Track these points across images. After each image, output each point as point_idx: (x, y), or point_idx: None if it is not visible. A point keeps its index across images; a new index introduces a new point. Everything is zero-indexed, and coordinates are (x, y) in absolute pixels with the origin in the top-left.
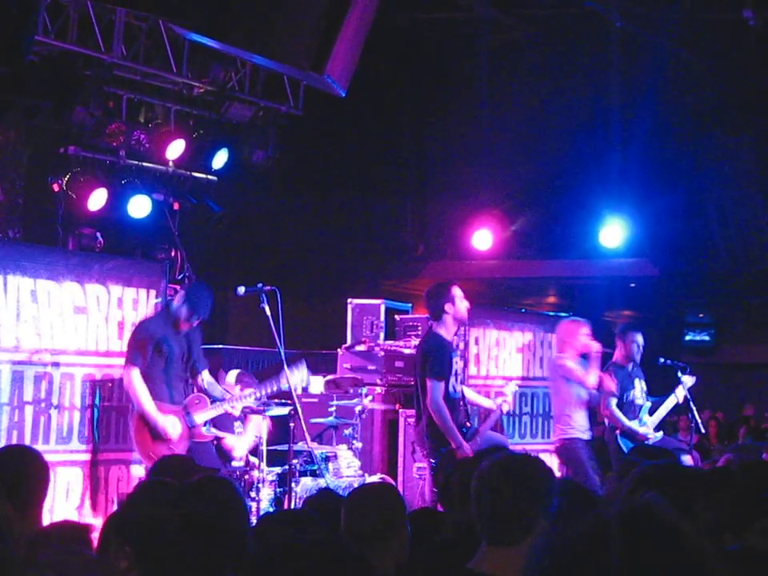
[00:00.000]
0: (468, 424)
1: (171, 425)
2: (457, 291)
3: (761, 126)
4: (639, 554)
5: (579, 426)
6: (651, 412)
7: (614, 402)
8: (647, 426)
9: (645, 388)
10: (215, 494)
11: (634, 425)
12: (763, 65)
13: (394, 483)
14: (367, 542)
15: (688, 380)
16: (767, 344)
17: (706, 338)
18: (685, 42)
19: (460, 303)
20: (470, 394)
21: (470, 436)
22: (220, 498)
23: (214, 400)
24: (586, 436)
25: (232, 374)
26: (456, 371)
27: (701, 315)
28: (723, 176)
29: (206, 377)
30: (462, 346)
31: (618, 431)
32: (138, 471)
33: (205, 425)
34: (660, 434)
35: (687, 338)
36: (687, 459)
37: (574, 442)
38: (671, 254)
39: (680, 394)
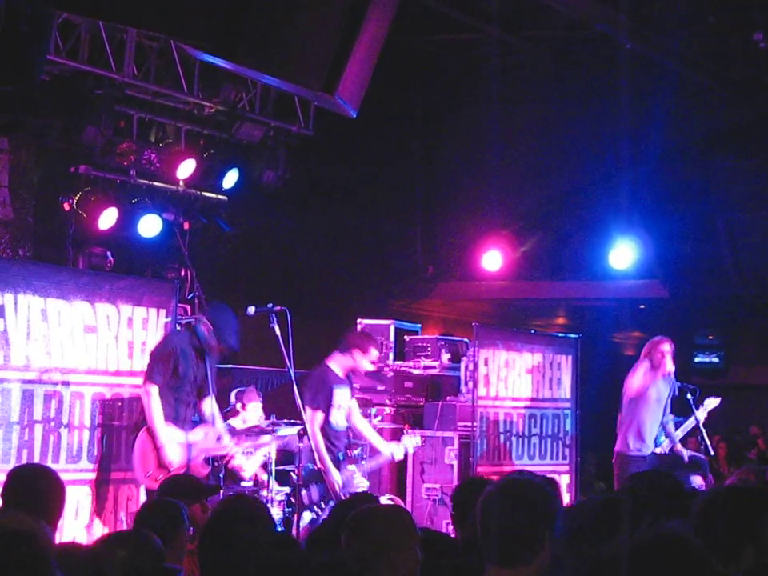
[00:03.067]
0: (350, 453)
1: (176, 454)
2: (373, 353)
3: None
4: None
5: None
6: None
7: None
8: (662, 446)
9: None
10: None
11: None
12: None
13: (402, 504)
14: (365, 566)
15: (711, 402)
16: None
17: (716, 359)
18: (695, 65)
19: (366, 362)
20: (368, 432)
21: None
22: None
23: (219, 438)
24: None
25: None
26: (339, 405)
27: (710, 337)
28: (733, 198)
29: (210, 404)
30: (471, 367)
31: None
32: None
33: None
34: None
35: (696, 359)
36: (697, 480)
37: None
38: (681, 276)
39: (701, 415)
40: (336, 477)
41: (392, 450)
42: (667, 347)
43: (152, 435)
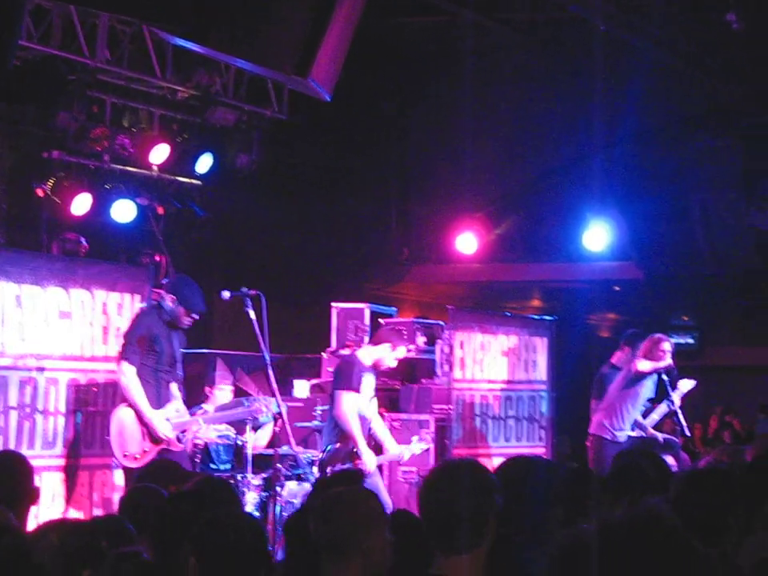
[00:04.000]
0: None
1: (167, 428)
2: (400, 351)
3: (745, 129)
4: (643, 561)
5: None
6: (644, 415)
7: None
8: (636, 430)
9: None
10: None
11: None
12: (747, 68)
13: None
14: (336, 551)
15: (686, 384)
16: (751, 347)
17: (691, 340)
18: (669, 46)
19: (392, 358)
20: (381, 430)
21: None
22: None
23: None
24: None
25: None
26: (366, 393)
27: (685, 318)
28: (707, 179)
29: (173, 389)
30: (446, 349)
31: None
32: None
33: (177, 436)
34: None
35: (672, 340)
36: (669, 460)
37: None
38: (655, 257)
39: (676, 397)
40: (370, 458)
41: (401, 451)
42: (668, 345)
43: (128, 414)
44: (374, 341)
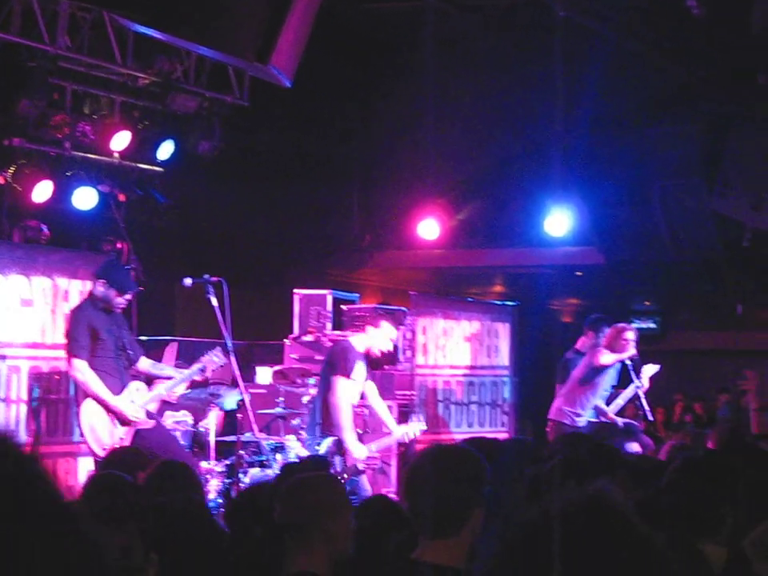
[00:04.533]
0: (359, 431)
1: (136, 410)
2: (385, 327)
3: (706, 115)
4: (589, 544)
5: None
6: (608, 401)
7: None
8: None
9: None
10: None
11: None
12: (707, 54)
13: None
14: (300, 535)
15: (650, 369)
16: (712, 331)
17: (653, 325)
18: (629, 32)
19: (382, 338)
20: (384, 413)
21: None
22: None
23: (154, 384)
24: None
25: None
26: (355, 379)
27: (647, 303)
28: (668, 165)
29: (145, 362)
30: (409, 335)
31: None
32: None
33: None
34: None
35: (634, 325)
36: (634, 446)
37: None
38: (617, 243)
39: (645, 381)
40: (357, 450)
41: (404, 432)
42: (631, 335)
43: (94, 408)
44: (360, 329)
